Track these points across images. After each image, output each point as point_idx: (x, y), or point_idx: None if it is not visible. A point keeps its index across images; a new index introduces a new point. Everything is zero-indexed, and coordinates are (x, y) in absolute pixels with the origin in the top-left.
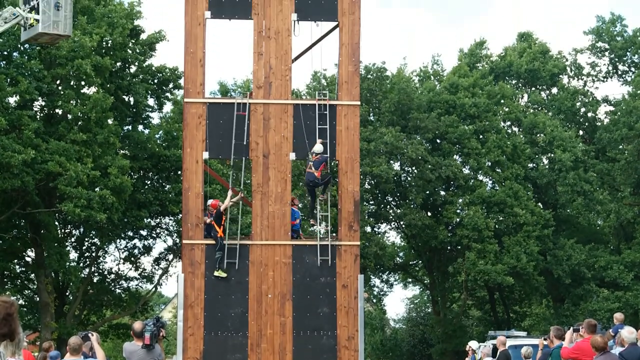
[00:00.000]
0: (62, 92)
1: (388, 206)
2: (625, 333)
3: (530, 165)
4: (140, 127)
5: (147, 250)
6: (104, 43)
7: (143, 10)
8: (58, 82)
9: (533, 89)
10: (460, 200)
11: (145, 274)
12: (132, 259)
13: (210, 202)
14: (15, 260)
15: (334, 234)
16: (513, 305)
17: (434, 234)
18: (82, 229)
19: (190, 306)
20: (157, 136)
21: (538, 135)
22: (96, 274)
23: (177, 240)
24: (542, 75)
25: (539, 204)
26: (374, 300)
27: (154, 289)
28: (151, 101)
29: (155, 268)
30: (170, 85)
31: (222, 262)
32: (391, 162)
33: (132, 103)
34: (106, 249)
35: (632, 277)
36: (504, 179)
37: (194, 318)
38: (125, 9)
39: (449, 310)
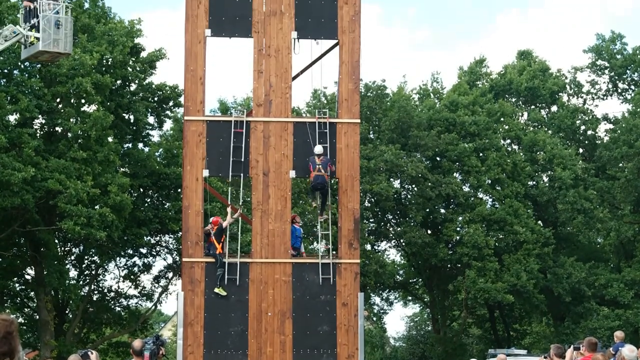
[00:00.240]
0: (62, 110)
1: (388, 224)
2: (625, 351)
3: (530, 183)
4: (141, 145)
5: (147, 268)
6: (104, 61)
7: (143, 29)
8: (58, 100)
9: (533, 106)
10: (460, 218)
11: (145, 292)
12: (132, 276)
13: (212, 219)
14: (15, 278)
15: (334, 252)
16: (513, 323)
17: (434, 251)
18: (82, 247)
19: (190, 324)
20: (157, 154)
21: (538, 153)
22: (96, 292)
23: (177, 258)
24: (542, 93)
25: (539, 221)
26: (374, 319)
27: (153, 307)
28: (151, 119)
29: (155, 286)
30: (171, 103)
31: (223, 279)
32: (391, 180)
33: (132, 121)
34: (106, 267)
35: (632, 295)
36: (504, 197)
37: (194, 336)
38: (125, 27)
39: (449, 329)
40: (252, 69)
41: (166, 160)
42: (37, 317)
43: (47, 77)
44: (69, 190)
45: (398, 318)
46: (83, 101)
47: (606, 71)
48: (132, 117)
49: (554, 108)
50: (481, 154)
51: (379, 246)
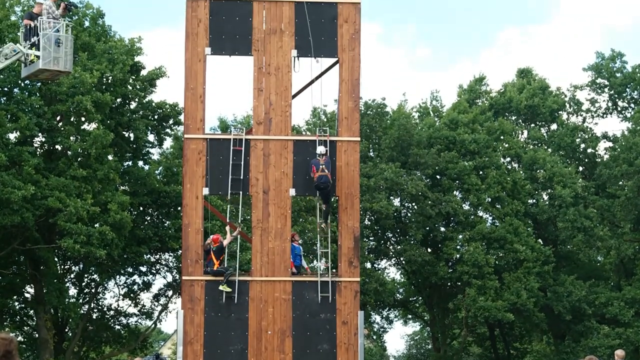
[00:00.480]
0: (62, 128)
1: (388, 242)
2: None
3: (531, 201)
4: (140, 163)
5: (147, 286)
6: (105, 79)
7: (143, 47)
8: (58, 118)
9: (533, 125)
10: (461, 237)
11: (145, 311)
12: (132, 295)
13: (212, 236)
14: (15, 297)
15: (334, 270)
16: (513, 341)
17: (434, 270)
18: (81, 265)
19: (189, 343)
20: (157, 172)
21: (538, 171)
22: (95, 311)
23: (177, 277)
24: (542, 111)
25: (539, 240)
26: (374, 337)
27: (153, 326)
28: (151, 137)
29: (154, 304)
30: (171, 121)
31: (231, 283)
32: (391, 198)
33: (132, 139)
34: (106, 285)
35: (632, 313)
36: (504, 215)
37: (194, 355)
38: (125, 46)
39: (450, 347)
40: (252, 87)
41: (166, 178)
42: (37, 335)
43: (47, 95)
44: (68, 208)
45: (398, 336)
46: (83, 119)
47: (606, 89)
48: (132, 135)
49: (554, 126)
50: (481, 172)
51: (379, 264)
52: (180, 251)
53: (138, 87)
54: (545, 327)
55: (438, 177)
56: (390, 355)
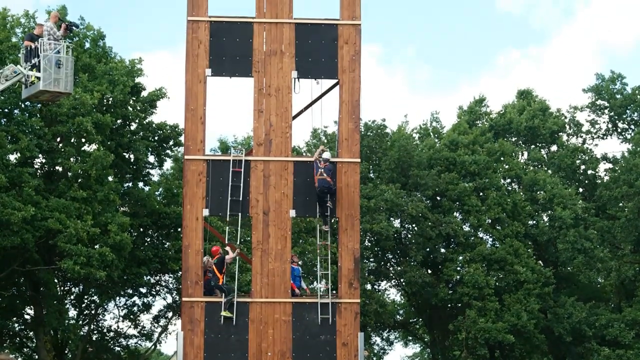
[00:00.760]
0: (62, 150)
1: (388, 263)
2: None
3: (531, 222)
4: (141, 184)
5: (147, 307)
6: (105, 100)
7: (144, 68)
8: (58, 139)
9: (533, 146)
10: (461, 258)
11: (145, 332)
12: (132, 316)
13: (212, 249)
14: (14, 318)
15: (334, 292)
16: None
17: (434, 291)
18: (81, 287)
19: None
20: (157, 193)
21: (538, 192)
22: (95, 332)
23: (177, 298)
24: (542, 132)
25: (540, 261)
26: (375, 359)
27: (153, 347)
28: (151, 158)
29: (154, 326)
30: (171, 143)
31: (232, 306)
32: (391, 219)
33: (132, 160)
34: (105, 306)
35: (633, 335)
36: (504, 237)
37: None
38: (126, 67)
39: None
40: (252, 108)
41: (166, 199)
42: (37, 357)
43: (48, 117)
44: (68, 229)
45: (398, 358)
46: (83, 140)
47: (606, 111)
48: (132, 156)
49: (554, 147)
50: (481, 194)
51: (379, 286)
52: (180, 272)
53: (138, 108)
54: (545, 349)
55: (438, 198)
56: None
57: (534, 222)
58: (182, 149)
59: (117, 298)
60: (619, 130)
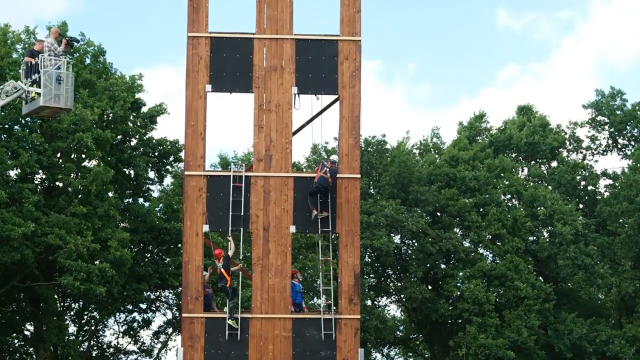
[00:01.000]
0: (62, 165)
1: (388, 279)
2: None
3: (531, 238)
4: (141, 200)
5: (147, 323)
6: (105, 116)
7: (144, 84)
8: (59, 155)
9: (533, 162)
10: (461, 274)
11: (145, 348)
12: (132, 332)
13: (215, 251)
14: (14, 334)
15: (335, 307)
16: None
17: (434, 307)
18: (81, 303)
19: None
20: (157, 209)
21: (538, 208)
22: (95, 348)
23: (177, 314)
24: (542, 148)
25: (540, 277)
26: None
27: None
28: (152, 174)
29: (154, 342)
30: (171, 158)
31: (237, 311)
32: (391, 235)
33: (132, 176)
34: (105, 322)
35: (633, 351)
36: (504, 252)
37: None
38: (126, 83)
39: None
40: (252, 124)
41: (166, 215)
42: None
43: (48, 132)
44: (69, 245)
45: None
46: (83, 156)
47: (606, 127)
48: (132, 172)
49: (554, 163)
50: (481, 209)
51: (379, 301)
52: (180, 288)
53: (139, 124)
54: None
55: (438, 214)
56: None
57: (534, 238)
58: (182, 165)
59: (117, 314)
60: (619, 146)
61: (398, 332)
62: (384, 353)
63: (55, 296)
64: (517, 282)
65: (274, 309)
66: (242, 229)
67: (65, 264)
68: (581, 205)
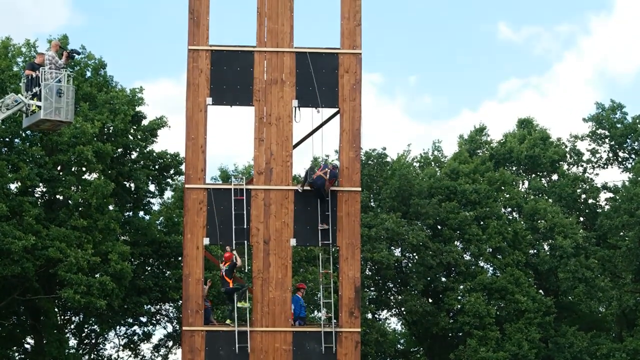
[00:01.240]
0: (63, 178)
1: (389, 292)
2: None
3: (532, 251)
4: (141, 213)
5: (147, 337)
6: (106, 129)
7: (145, 97)
8: (59, 168)
9: (533, 175)
10: (462, 287)
11: None
12: (132, 345)
13: (225, 254)
14: (15, 347)
15: (335, 321)
16: None
17: (435, 320)
18: (81, 316)
19: None
20: (157, 222)
21: (539, 221)
22: None
23: (177, 327)
24: (543, 161)
25: (540, 290)
26: None
27: None
28: (152, 187)
29: (155, 355)
30: (172, 171)
31: (245, 295)
32: (392, 248)
33: (133, 189)
34: (106, 335)
35: None
36: (505, 266)
37: None
38: (127, 96)
39: None
40: (253, 137)
41: (167, 228)
42: None
43: (48, 146)
44: (69, 258)
45: None
46: (84, 169)
47: (606, 140)
48: (132, 185)
49: (555, 176)
50: (482, 223)
51: (379, 315)
52: (181, 301)
53: (139, 137)
54: None
55: (439, 227)
56: None
57: (535, 251)
58: (182, 178)
59: (118, 327)
60: (620, 159)
61: (399, 346)
62: None
63: (56, 309)
64: (518, 295)
65: (274, 322)
66: (245, 242)
67: (66, 277)
68: (582, 219)
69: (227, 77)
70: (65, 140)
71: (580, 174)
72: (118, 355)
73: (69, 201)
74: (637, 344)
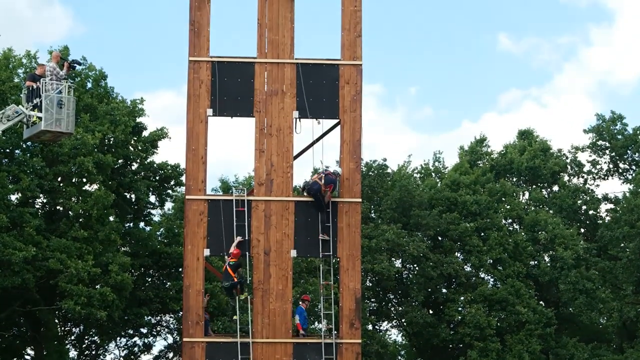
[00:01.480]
0: (63, 190)
1: (389, 304)
2: None
3: (532, 263)
4: (142, 224)
5: (147, 348)
6: (106, 140)
7: (145, 108)
8: (60, 179)
9: (534, 186)
10: (462, 298)
11: None
12: (132, 357)
13: (232, 251)
14: (15, 359)
15: (336, 332)
16: None
17: (435, 332)
18: (82, 327)
19: None
20: (158, 233)
21: (539, 232)
22: None
23: (178, 338)
24: (543, 172)
25: (541, 302)
26: None
27: None
28: (152, 198)
29: None
30: (172, 182)
31: (244, 287)
32: (392, 259)
33: (133, 200)
34: (106, 347)
35: None
36: (505, 277)
37: None
38: (127, 107)
39: None
40: (253, 148)
41: (167, 239)
42: None
43: (49, 157)
44: (69, 269)
45: None
46: (84, 180)
47: (607, 151)
48: (133, 196)
49: (555, 188)
50: (482, 234)
51: (380, 326)
52: (181, 313)
53: (140, 148)
54: None
55: (439, 238)
56: None
57: (536, 262)
58: (183, 189)
59: (118, 338)
60: (620, 170)
61: (399, 357)
62: None
63: (56, 320)
64: (519, 306)
65: (274, 334)
66: (246, 253)
67: (66, 288)
68: (582, 230)
69: (227, 88)
70: (66, 152)
71: (581, 185)
72: None
73: (70, 212)
74: (638, 356)
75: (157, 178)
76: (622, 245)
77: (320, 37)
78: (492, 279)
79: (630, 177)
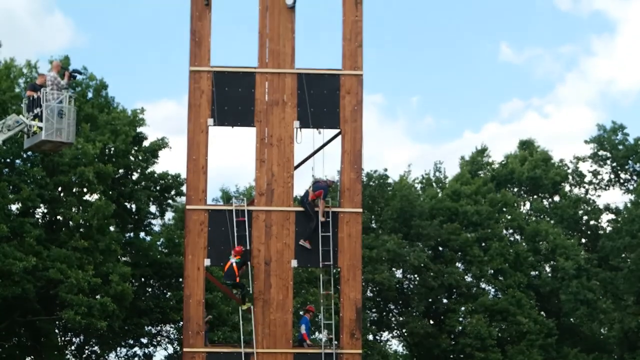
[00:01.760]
0: (64, 200)
1: (390, 314)
2: None
3: (533, 273)
4: (142, 234)
5: (148, 358)
6: (107, 150)
7: (146, 118)
8: (60, 189)
9: (535, 196)
10: (463, 309)
11: None
12: None
13: (236, 247)
14: None
15: (336, 342)
16: None
17: (436, 342)
18: (82, 337)
19: None
20: (158, 243)
21: (540, 243)
22: None
23: (178, 348)
24: (544, 183)
25: (542, 312)
26: None
27: None
28: (153, 208)
29: None
30: (173, 192)
31: (246, 297)
32: (393, 269)
33: (134, 210)
34: (106, 357)
35: None
36: (506, 287)
37: None
38: (128, 117)
39: None
40: (254, 158)
41: (168, 249)
42: None
43: (50, 167)
44: (70, 279)
45: None
46: (85, 190)
47: (608, 161)
48: (134, 206)
49: (556, 198)
50: (483, 244)
51: (381, 336)
52: (182, 323)
53: (140, 158)
54: None
55: (440, 248)
56: None
57: (537, 272)
58: (183, 199)
59: (118, 348)
60: (621, 181)
61: None
62: None
63: (56, 330)
64: (520, 317)
65: (275, 344)
66: (248, 263)
67: (66, 298)
68: (583, 240)
69: (228, 98)
70: (67, 161)
71: (582, 195)
72: None
73: (70, 222)
74: None
75: (158, 188)
76: (623, 255)
77: (321, 47)
78: (493, 289)
79: (631, 187)
